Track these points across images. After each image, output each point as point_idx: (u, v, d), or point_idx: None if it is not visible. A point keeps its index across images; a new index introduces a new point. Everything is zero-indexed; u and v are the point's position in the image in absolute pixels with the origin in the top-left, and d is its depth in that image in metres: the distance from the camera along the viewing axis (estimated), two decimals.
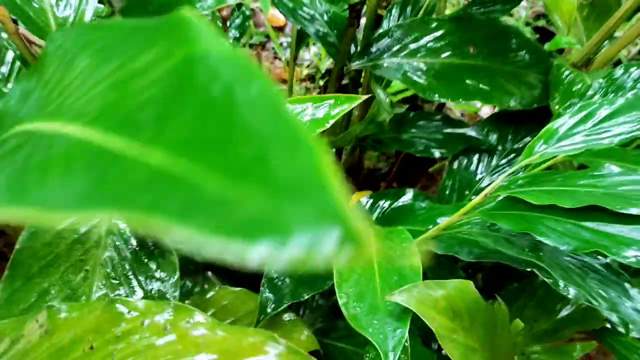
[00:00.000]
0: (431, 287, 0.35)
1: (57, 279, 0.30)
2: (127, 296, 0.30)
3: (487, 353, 0.35)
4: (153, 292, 0.31)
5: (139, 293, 0.31)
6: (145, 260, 0.31)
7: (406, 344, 0.36)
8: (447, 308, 0.34)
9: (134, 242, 0.32)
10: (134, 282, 0.31)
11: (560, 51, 0.86)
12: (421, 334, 0.45)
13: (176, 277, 0.31)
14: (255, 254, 0.08)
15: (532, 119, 0.56)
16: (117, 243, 0.32)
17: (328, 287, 0.43)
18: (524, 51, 0.56)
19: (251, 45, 1.12)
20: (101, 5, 0.41)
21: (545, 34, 1.06)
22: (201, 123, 0.11)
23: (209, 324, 0.25)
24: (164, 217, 0.09)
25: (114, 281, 0.31)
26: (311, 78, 1.09)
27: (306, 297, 0.43)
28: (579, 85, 0.50)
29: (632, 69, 0.46)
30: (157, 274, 0.31)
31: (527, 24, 1.04)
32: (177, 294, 0.31)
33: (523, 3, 0.92)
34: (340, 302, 0.36)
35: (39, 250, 0.31)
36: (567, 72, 0.52)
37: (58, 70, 0.16)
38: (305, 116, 0.37)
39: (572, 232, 0.35)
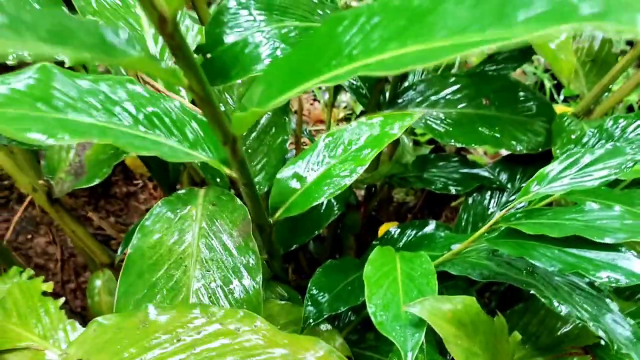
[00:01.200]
0: (441, 301, 0.43)
1: (162, 274, 0.40)
2: (220, 287, 0.40)
3: (488, 357, 0.43)
4: (242, 281, 0.40)
5: (234, 284, 0.40)
6: (234, 254, 0.41)
7: (422, 347, 0.44)
8: (454, 318, 0.42)
9: (224, 241, 0.42)
10: (228, 275, 0.40)
11: (576, 96, 0.93)
12: (438, 344, 0.53)
13: (257, 262, 0.40)
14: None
15: (538, 161, 0.64)
16: (209, 244, 0.42)
17: (360, 302, 0.51)
18: (531, 102, 0.65)
19: None
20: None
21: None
22: None
23: (269, 329, 0.35)
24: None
25: (207, 273, 0.40)
26: (347, 119, 1.20)
27: (342, 310, 0.51)
28: (577, 133, 0.58)
29: (620, 120, 0.54)
30: (244, 268, 0.40)
31: (546, 70, 1.12)
32: (259, 284, 0.40)
33: None
34: (369, 311, 0.44)
35: (145, 252, 0.41)
36: (567, 121, 0.60)
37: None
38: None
39: (559, 256, 0.43)
